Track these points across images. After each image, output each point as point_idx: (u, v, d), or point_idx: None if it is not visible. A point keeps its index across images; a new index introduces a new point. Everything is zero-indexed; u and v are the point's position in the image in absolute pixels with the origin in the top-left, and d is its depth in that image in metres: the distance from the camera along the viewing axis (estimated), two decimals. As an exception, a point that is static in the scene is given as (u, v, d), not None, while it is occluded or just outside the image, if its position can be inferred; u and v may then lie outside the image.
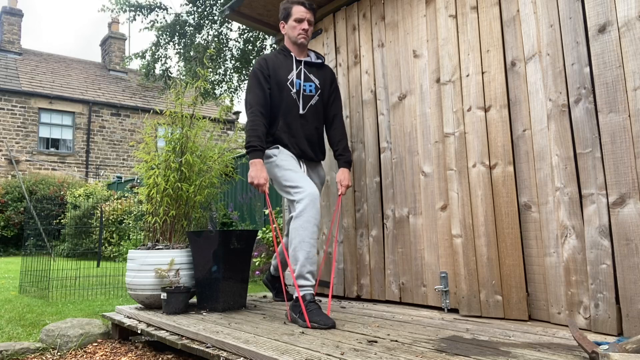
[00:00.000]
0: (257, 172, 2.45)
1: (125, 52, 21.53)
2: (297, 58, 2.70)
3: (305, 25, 2.66)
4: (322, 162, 2.86)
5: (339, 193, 2.64)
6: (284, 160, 2.56)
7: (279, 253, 2.90)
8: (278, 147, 2.61)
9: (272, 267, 3.10)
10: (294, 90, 2.64)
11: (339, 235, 3.15)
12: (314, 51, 2.84)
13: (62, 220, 10.65)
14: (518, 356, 1.55)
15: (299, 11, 2.66)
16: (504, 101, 2.30)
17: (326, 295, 3.16)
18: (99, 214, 9.07)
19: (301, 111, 2.65)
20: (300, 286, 2.33)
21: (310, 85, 2.69)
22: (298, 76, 2.67)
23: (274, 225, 2.69)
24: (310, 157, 2.69)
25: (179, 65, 11.96)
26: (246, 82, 12.19)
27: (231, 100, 12.64)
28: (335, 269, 3.15)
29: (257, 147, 2.48)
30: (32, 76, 17.58)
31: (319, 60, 2.78)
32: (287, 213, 3.60)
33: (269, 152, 2.61)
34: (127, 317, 2.74)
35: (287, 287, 3.24)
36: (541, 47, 2.17)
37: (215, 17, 10.90)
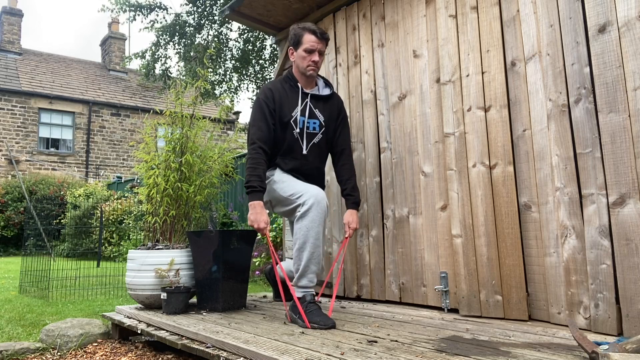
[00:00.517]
0: (257, 215, 2.35)
1: (125, 52, 21.54)
2: (304, 90, 2.58)
3: (315, 57, 2.51)
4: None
5: (346, 235, 2.54)
6: (281, 175, 2.51)
7: (279, 276, 2.84)
8: (275, 168, 2.54)
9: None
10: (297, 130, 2.53)
11: (339, 236, 3.15)
12: (322, 77, 2.73)
13: (62, 220, 10.65)
14: (518, 356, 1.55)
15: (309, 41, 2.50)
16: (504, 101, 2.30)
17: (329, 296, 3.16)
18: (99, 214, 9.07)
19: (304, 151, 2.55)
20: (301, 287, 2.33)
21: (315, 123, 2.58)
22: (302, 113, 2.55)
23: (275, 257, 2.65)
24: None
25: (179, 65, 11.96)
26: (246, 82, 12.20)
27: (231, 101, 12.64)
28: (335, 268, 3.15)
29: (257, 187, 2.37)
30: (32, 76, 17.58)
31: (327, 92, 2.66)
32: (287, 235, 3.58)
33: (267, 173, 2.53)
34: (127, 317, 2.74)
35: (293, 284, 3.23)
36: (541, 47, 2.17)
37: (215, 17, 10.90)
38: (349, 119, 3.16)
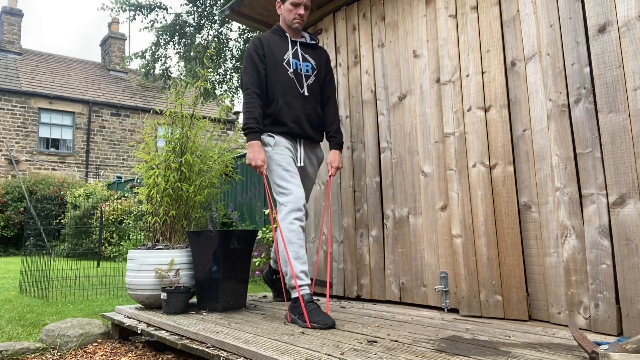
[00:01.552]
0: (254, 153, 2.48)
1: (125, 52, 21.53)
2: (292, 39, 2.72)
3: (301, 10, 2.67)
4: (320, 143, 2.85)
5: (329, 174, 2.67)
6: (279, 153, 2.56)
7: (277, 245, 2.88)
8: (273, 137, 2.60)
9: (272, 261, 3.11)
10: (291, 70, 2.64)
11: (339, 235, 3.15)
12: (308, 32, 2.86)
13: (62, 220, 10.65)
14: (518, 356, 1.55)
15: None
16: (504, 101, 2.30)
17: (325, 295, 3.16)
18: (99, 214, 9.07)
19: (304, 91, 2.66)
20: (294, 287, 2.34)
21: (307, 65, 2.71)
22: (295, 56, 2.68)
23: (274, 216, 2.69)
24: (310, 136, 2.69)
25: (179, 65, 11.96)
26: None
27: (231, 101, 12.64)
28: (335, 269, 3.15)
29: (254, 129, 2.51)
30: (32, 76, 17.58)
31: (314, 42, 2.81)
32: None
33: (265, 139, 2.61)
34: (127, 317, 2.74)
35: (287, 287, 3.24)
36: (541, 47, 2.17)
37: (215, 17, 10.90)
38: (348, 119, 3.16)
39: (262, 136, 2.61)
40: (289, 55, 2.67)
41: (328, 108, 2.79)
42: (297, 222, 2.42)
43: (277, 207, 2.50)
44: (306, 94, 2.67)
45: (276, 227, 2.48)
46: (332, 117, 2.78)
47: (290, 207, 2.43)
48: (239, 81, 12.02)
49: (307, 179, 2.79)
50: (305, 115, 2.65)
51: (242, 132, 2.54)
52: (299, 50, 2.72)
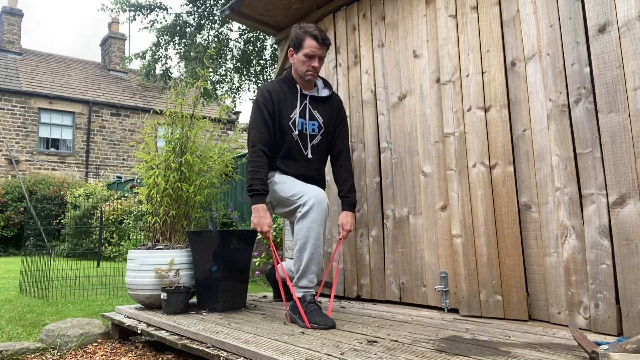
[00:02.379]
0: (260, 218, 2.36)
1: (125, 52, 21.54)
2: (303, 92, 2.58)
3: (315, 62, 2.50)
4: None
5: (340, 237, 2.54)
6: (281, 176, 2.50)
7: (280, 275, 2.85)
8: (275, 170, 2.54)
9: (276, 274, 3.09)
10: (296, 132, 2.52)
11: (339, 235, 3.15)
12: (321, 78, 2.72)
13: (62, 220, 10.65)
14: (518, 356, 1.55)
15: (310, 46, 2.48)
16: (504, 101, 2.30)
17: (328, 296, 3.16)
18: (99, 214, 9.07)
19: (307, 153, 2.55)
20: (302, 287, 2.33)
21: (314, 124, 2.58)
22: (302, 114, 2.55)
23: (276, 257, 2.65)
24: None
25: (179, 66, 11.96)
26: (246, 82, 12.20)
27: (233, 101, 12.64)
28: (337, 273, 3.15)
29: (259, 191, 2.37)
30: (32, 76, 17.58)
31: (325, 93, 2.65)
32: (287, 235, 3.58)
33: (268, 175, 2.52)
34: (127, 317, 2.74)
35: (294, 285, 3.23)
36: (541, 47, 2.17)
37: (216, 17, 10.90)
38: (348, 119, 3.16)
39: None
40: (295, 114, 2.53)
41: (340, 163, 2.65)
42: (318, 220, 2.30)
43: (299, 210, 2.34)
44: (309, 156, 2.56)
45: (281, 255, 2.39)
46: (346, 174, 2.63)
47: (311, 204, 2.30)
48: (240, 81, 12.04)
49: None
50: (308, 177, 2.56)
51: (247, 192, 2.42)
52: (308, 106, 2.57)
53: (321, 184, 2.67)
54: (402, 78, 2.83)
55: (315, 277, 2.33)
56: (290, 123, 2.52)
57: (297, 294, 2.32)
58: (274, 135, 2.51)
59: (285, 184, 2.46)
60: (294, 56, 2.57)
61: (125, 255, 7.07)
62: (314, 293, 2.34)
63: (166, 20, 11.24)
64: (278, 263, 2.80)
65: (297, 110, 2.54)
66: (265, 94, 2.53)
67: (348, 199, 2.58)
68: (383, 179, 2.90)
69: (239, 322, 2.29)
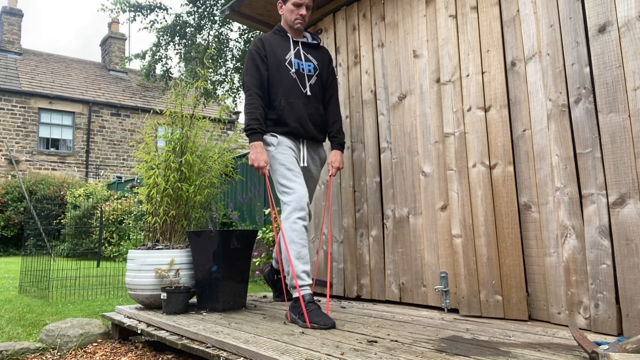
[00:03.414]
0: (257, 154, 2.49)
1: (125, 52, 21.54)
2: (294, 39, 2.73)
3: (303, 10, 2.67)
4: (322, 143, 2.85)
5: (330, 174, 2.67)
6: (282, 152, 2.56)
7: (279, 244, 2.89)
8: (276, 137, 2.60)
9: (273, 261, 3.11)
10: (293, 70, 2.65)
11: (339, 236, 3.15)
12: (309, 32, 2.86)
13: (62, 220, 10.65)
14: (518, 356, 1.55)
15: None
16: (504, 101, 2.30)
17: (325, 295, 3.16)
18: (99, 214, 9.07)
19: (306, 91, 2.66)
20: (295, 287, 2.34)
21: (309, 65, 2.71)
22: (297, 56, 2.69)
23: (275, 216, 2.69)
24: (313, 136, 2.69)
25: (179, 66, 11.96)
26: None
27: (233, 101, 12.63)
28: (335, 269, 3.15)
29: (256, 129, 2.51)
30: (32, 76, 17.58)
31: (315, 41, 2.81)
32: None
33: (267, 139, 2.60)
34: (127, 317, 2.74)
35: (288, 287, 3.24)
36: (541, 47, 2.17)
37: (216, 17, 10.90)
38: (348, 119, 3.16)
39: (265, 136, 2.61)
40: (290, 55, 2.67)
41: (330, 107, 2.79)
42: (300, 221, 2.42)
43: (281, 207, 2.49)
44: (309, 93, 2.67)
45: (277, 227, 2.48)
46: (334, 116, 2.78)
47: (293, 206, 2.43)
48: (240, 82, 12.03)
49: (310, 179, 2.79)
50: (308, 115, 2.65)
51: (245, 132, 2.54)
52: (301, 50, 2.72)
53: (321, 122, 2.74)
54: (402, 78, 2.83)
55: (305, 274, 2.37)
56: (286, 63, 2.65)
57: (294, 294, 2.33)
58: (272, 77, 2.63)
59: (281, 166, 2.53)
60: (282, 7, 2.75)
61: (125, 255, 7.08)
62: (311, 292, 2.35)
63: (166, 21, 11.24)
64: (278, 230, 2.84)
65: (292, 52, 2.69)
66: (257, 42, 2.68)
67: (337, 139, 2.74)
68: (383, 179, 2.90)
69: (239, 322, 2.29)
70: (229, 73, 11.77)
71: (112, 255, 8.96)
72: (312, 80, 2.70)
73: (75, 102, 17.23)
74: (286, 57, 2.65)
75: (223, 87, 11.86)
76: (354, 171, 3.10)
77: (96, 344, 2.64)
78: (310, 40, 2.79)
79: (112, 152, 17.70)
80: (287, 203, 2.45)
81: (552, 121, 2.10)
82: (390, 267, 2.80)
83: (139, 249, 2.93)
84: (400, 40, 2.85)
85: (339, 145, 2.72)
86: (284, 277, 2.74)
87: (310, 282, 2.37)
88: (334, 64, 3.29)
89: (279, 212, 2.50)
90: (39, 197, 11.46)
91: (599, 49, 1.95)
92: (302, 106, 2.63)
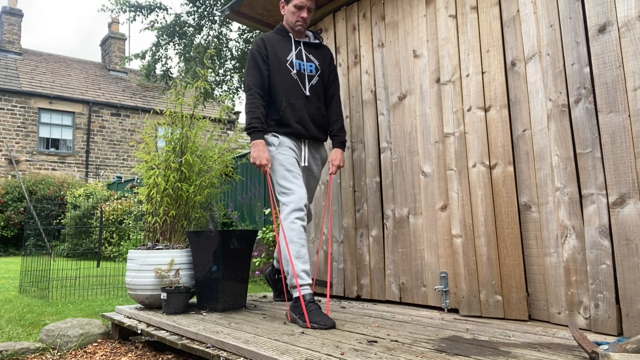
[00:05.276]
0: (259, 152, 2.50)
1: (125, 52, 21.54)
2: (296, 39, 2.73)
3: (304, 13, 2.67)
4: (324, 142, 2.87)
5: (330, 172, 2.68)
6: (283, 153, 2.57)
7: (280, 244, 2.88)
8: (278, 137, 2.61)
9: (274, 261, 3.12)
10: (294, 71, 2.65)
11: (339, 235, 3.15)
12: (312, 31, 2.86)
13: (62, 220, 10.65)
14: (518, 356, 1.55)
15: None
16: (504, 101, 2.30)
17: (325, 295, 3.16)
18: (99, 214, 9.07)
19: (307, 92, 2.66)
20: (295, 286, 2.34)
21: (311, 66, 2.72)
22: (298, 56, 2.70)
23: (276, 215, 2.69)
24: (315, 136, 2.69)
25: (179, 66, 11.96)
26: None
27: (232, 101, 12.63)
28: (335, 269, 3.15)
29: (258, 128, 2.52)
30: (32, 76, 17.58)
31: (317, 41, 2.81)
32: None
33: (269, 139, 2.62)
34: (127, 317, 2.74)
35: (288, 287, 3.24)
36: (541, 47, 2.17)
37: (215, 17, 10.90)
38: (348, 119, 3.16)
39: (266, 136, 2.62)
40: (292, 56, 2.68)
41: (332, 106, 2.80)
42: (299, 221, 2.43)
43: (279, 207, 2.50)
44: (309, 94, 2.67)
45: (278, 226, 2.49)
46: (336, 115, 2.79)
47: (292, 207, 2.44)
48: (240, 81, 12.03)
49: (312, 179, 2.81)
50: (309, 115, 2.66)
51: (246, 131, 2.55)
52: (303, 51, 2.73)
53: (323, 122, 2.74)
54: (402, 78, 2.83)
55: (305, 274, 2.37)
56: (287, 64, 2.65)
57: (294, 293, 2.33)
58: (273, 78, 2.63)
59: (281, 167, 2.53)
60: (284, 8, 2.74)
61: (125, 255, 7.08)
62: (312, 291, 2.35)
63: (166, 21, 11.24)
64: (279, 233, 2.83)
65: (293, 52, 2.70)
66: (258, 42, 2.68)
67: (338, 137, 2.75)
68: (383, 179, 2.90)
69: (239, 322, 2.29)
70: (228, 73, 11.77)
71: (112, 255, 8.96)
72: (314, 81, 2.71)
73: (75, 102, 17.22)
74: (287, 58, 2.66)
75: (222, 88, 11.86)
76: (354, 171, 3.10)
77: (96, 344, 2.64)
78: (312, 40, 2.80)
79: (112, 152, 17.69)
80: (285, 203, 2.47)
81: (552, 121, 2.10)
82: (390, 267, 2.80)
83: (139, 249, 2.93)
84: (400, 40, 2.85)
85: (339, 143, 2.73)
86: (285, 277, 2.74)
87: (310, 281, 2.37)
88: (334, 64, 3.28)
89: (280, 211, 2.51)
90: (39, 197, 11.46)
91: (599, 49, 1.95)
92: (303, 107, 2.64)
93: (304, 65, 2.69)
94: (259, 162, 2.50)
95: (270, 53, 2.64)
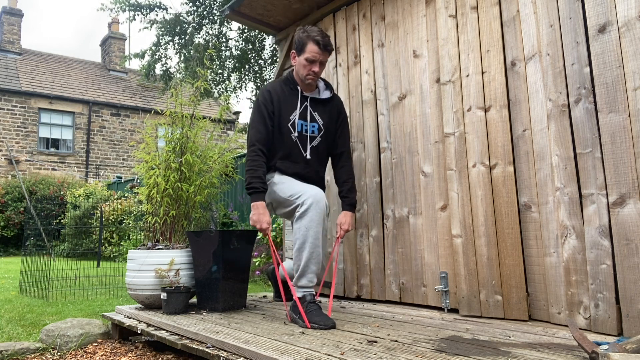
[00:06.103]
0: (259, 215, 2.37)
1: (125, 52, 21.53)
2: (304, 93, 2.59)
3: (316, 67, 2.50)
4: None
5: (337, 236, 2.55)
6: (280, 177, 2.51)
7: (280, 275, 2.85)
8: (274, 171, 2.54)
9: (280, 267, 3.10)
10: (295, 134, 2.53)
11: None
12: (322, 80, 2.72)
13: (62, 220, 10.65)
14: (518, 356, 1.55)
15: (312, 51, 2.47)
16: (504, 101, 2.30)
17: (327, 296, 3.16)
18: (99, 214, 9.07)
19: (306, 155, 2.55)
20: (301, 286, 2.33)
21: (314, 126, 2.58)
22: (302, 116, 2.55)
23: (276, 257, 2.66)
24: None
25: (179, 66, 11.96)
26: (246, 81, 12.20)
27: (229, 101, 12.63)
28: (336, 273, 3.15)
29: (258, 188, 2.38)
30: (32, 76, 17.58)
31: (326, 95, 2.65)
32: (288, 234, 3.58)
33: (267, 176, 2.53)
34: (127, 317, 2.74)
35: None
36: (541, 47, 2.17)
37: (215, 17, 10.90)
38: (349, 119, 3.16)
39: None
40: (295, 115, 2.54)
41: (342, 164, 2.66)
42: (317, 219, 2.30)
43: (297, 210, 2.35)
44: (308, 157, 2.56)
45: (278, 266, 2.36)
46: (346, 175, 2.64)
47: (309, 203, 2.30)
48: (239, 81, 12.03)
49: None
50: (306, 178, 2.55)
51: (246, 191, 2.43)
52: (308, 108, 2.58)
53: (320, 184, 2.66)
54: (402, 78, 2.83)
55: (314, 276, 2.33)
56: (289, 124, 2.53)
57: (297, 293, 2.32)
58: (274, 136, 2.52)
59: (284, 184, 2.46)
60: (296, 58, 2.57)
61: (125, 255, 7.07)
62: (314, 293, 2.34)
63: (166, 20, 11.24)
64: (278, 264, 2.80)
65: (297, 111, 2.55)
66: (265, 94, 2.54)
67: (348, 199, 2.59)
68: (383, 179, 2.90)
69: (239, 322, 2.29)
70: (228, 73, 11.77)
71: (112, 255, 8.96)
72: (315, 142, 2.58)
73: (75, 102, 17.23)
74: (290, 117, 2.53)
75: (221, 87, 11.86)
76: (354, 171, 3.10)
77: (96, 344, 2.64)
78: (321, 93, 2.65)
79: (112, 152, 17.70)
80: (302, 203, 2.32)
81: (552, 121, 2.10)
82: (390, 267, 2.80)
83: (139, 249, 2.94)
84: (400, 40, 2.85)
85: (349, 206, 2.57)
86: (289, 277, 2.69)
87: (315, 283, 2.35)
88: (332, 65, 3.28)
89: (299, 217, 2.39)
90: (39, 197, 11.46)
91: (599, 49, 1.95)
92: (300, 170, 2.54)
93: (306, 126, 2.55)
94: (259, 226, 2.36)
95: (276, 109, 2.51)
